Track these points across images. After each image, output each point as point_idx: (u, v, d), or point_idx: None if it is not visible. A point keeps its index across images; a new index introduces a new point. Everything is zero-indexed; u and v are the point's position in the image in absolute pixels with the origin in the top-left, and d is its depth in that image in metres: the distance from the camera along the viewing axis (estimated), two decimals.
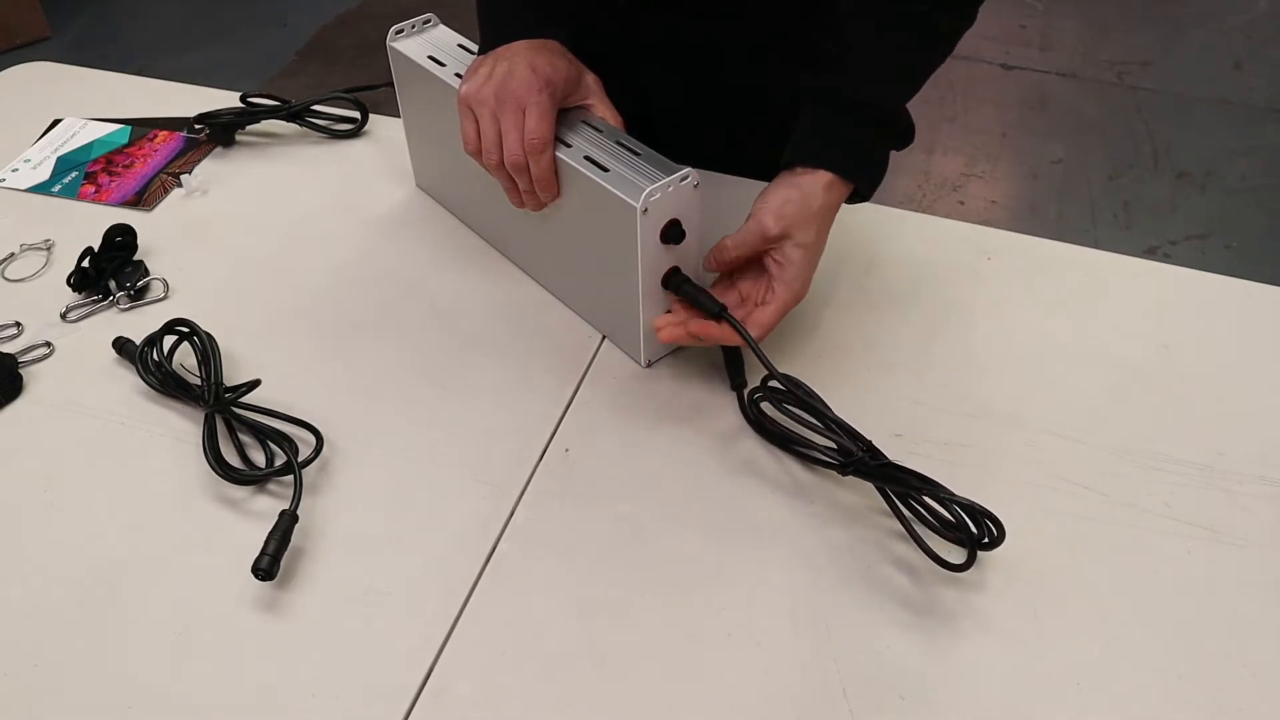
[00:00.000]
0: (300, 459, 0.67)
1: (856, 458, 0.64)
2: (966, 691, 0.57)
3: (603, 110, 0.75)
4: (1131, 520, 0.65)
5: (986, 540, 0.59)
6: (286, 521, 0.63)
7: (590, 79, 0.75)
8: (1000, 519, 0.59)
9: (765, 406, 0.70)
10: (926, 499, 0.61)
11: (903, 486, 0.62)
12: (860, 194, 0.71)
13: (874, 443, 0.64)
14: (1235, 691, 0.57)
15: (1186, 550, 0.64)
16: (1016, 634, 0.60)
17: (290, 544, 0.63)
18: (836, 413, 0.65)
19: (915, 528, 0.62)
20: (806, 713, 0.56)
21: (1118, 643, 0.59)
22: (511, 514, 0.66)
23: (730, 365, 0.74)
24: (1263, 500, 0.67)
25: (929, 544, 0.61)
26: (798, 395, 0.66)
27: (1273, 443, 0.70)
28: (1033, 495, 0.67)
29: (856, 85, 0.70)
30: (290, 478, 0.66)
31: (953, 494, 0.60)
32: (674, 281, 0.71)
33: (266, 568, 0.61)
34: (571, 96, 0.73)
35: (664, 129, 0.81)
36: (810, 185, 0.68)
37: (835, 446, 0.65)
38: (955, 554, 0.61)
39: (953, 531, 0.61)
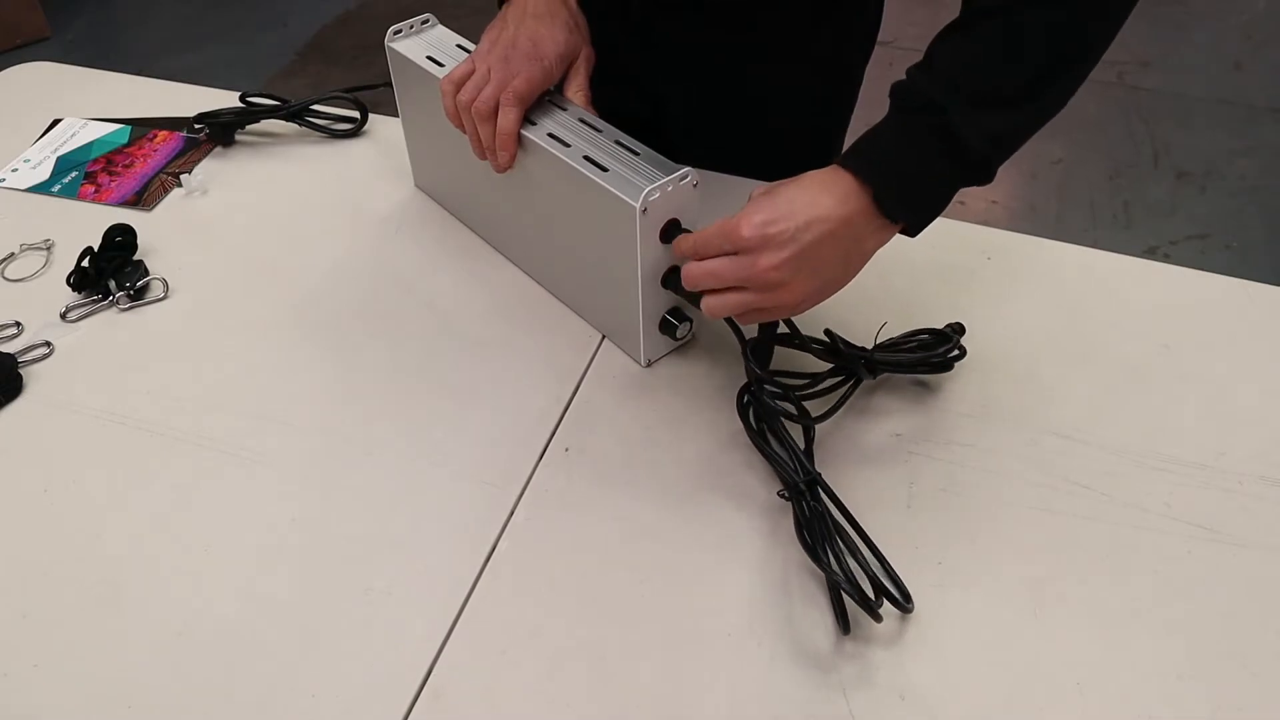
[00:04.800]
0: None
1: (795, 488, 0.63)
2: (966, 692, 0.57)
3: (574, 90, 0.76)
4: (1132, 520, 0.65)
5: (871, 604, 0.58)
6: None
7: (584, 56, 0.77)
8: (901, 594, 0.58)
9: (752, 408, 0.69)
10: (827, 554, 0.59)
11: (814, 539, 0.61)
12: (885, 210, 0.61)
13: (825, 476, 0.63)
14: (1235, 691, 0.57)
15: (1186, 550, 0.64)
16: (1017, 634, 0.60)
17: (289, 542, 0.63)
18: (831, 420, 0.65)
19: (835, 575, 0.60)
20: (806, 713, 0.56)
21: (1118, 643, 0.59)
22: (511, 514, 0.66)
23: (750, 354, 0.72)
24: (1263, 500, 0.66)
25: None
26: (768, 406, 0.66)
27: (1273, 443, 0.70)
28: (1033, 495, 0.67)
29: (933, 86, 0.60)
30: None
31: (844, 573, 0.58)
32: (674, 281, 0.70)
33: None
34: (565, 71, 0.76)
35: (676, 136, 0.81)
36: (811, 182, 0.62)
37: (780, 471, 0.65)
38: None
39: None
